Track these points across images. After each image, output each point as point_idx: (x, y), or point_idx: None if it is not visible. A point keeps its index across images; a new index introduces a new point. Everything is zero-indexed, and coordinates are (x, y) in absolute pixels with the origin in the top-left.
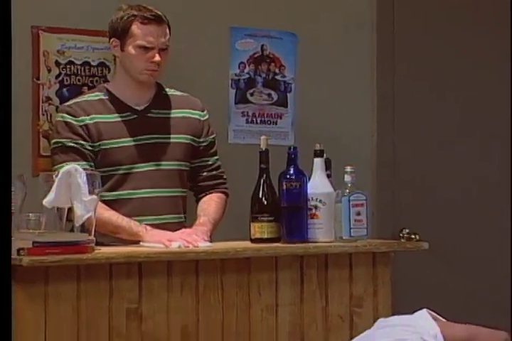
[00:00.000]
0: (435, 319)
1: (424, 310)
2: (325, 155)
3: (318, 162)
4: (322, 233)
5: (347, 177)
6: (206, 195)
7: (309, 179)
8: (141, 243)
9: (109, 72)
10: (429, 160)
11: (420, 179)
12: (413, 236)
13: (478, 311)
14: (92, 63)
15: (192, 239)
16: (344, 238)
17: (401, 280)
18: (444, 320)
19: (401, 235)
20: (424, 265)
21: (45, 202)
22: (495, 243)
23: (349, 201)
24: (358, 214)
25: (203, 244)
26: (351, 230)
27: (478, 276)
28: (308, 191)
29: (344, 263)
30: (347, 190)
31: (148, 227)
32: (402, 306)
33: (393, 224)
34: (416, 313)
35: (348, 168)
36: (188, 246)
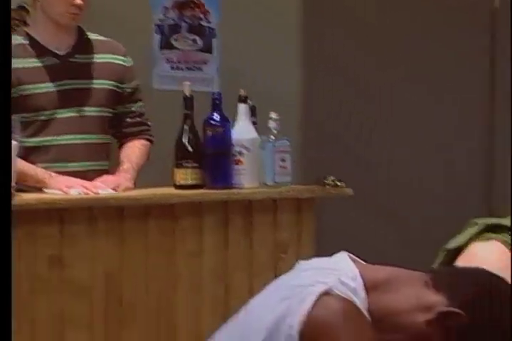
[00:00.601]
0: (354, 261)
1: (344, 253)
2: (250, 102)
3: (242, 108)
4: (246, 179)
5: (271, 124)
6: (130, 141)
7: (233, 125)
8: (43, 189)
9: (28, 16)
10: (355, 108)
11: (346, 126)
12: (338, 183)
13: (401, 256)
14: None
15: (91, 186)
16: (268, 184)
17: (326, 227)
18: (363, 262)
19: (326, 182)
20: (349, 212)
21: None
22: (416, 189)
23: (273, 147)
24: (283, 160)
25: (104, 191)
26: (275, 176)
27: (401, 222)
28: (233, 137)
29: (268, 209)
30: (272, 136)
31: (54, 174)
32: (326, 252)
33: (319, 171)
34: (335, 256)
35: (273, 115)
36: (87, 193)
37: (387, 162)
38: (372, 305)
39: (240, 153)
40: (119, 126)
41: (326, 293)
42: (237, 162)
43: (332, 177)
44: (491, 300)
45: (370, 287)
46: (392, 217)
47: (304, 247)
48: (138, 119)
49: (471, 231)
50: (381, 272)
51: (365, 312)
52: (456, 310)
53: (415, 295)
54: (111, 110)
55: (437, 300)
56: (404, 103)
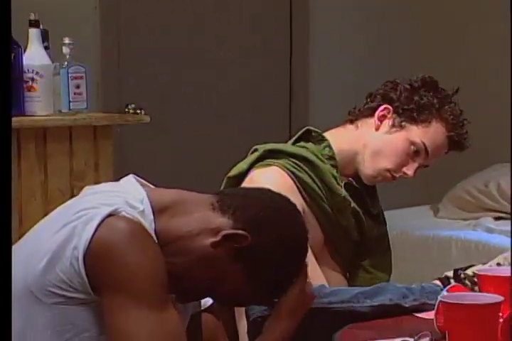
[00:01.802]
0: (143, 185)
1: (131, 176)
2: (42, 26)
3: (33, 33)
4: (40, 106)
5: (65, 49)
6: None
7: (25, 51)
8: None
9: None
10: (163, 42)
11: (146, 53)
12: (138, 111)
13: (196, 182)
14: None
15: None
16: (63, 111)
17: (126, 154)
18: (151, 186)
19: (126, 110)
20: (148, 139)
21: None
22: (221, 119)
23: (68, 73)
24: (77, 86)
25: None
26: (70, 103)
27: (196, 152)
28: (24, 63)
29: (63, 137)
30: (65, 62)
31: None
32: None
33: (119, 99)
34: (122, 180)
35: (66, 40)
36: None
37: (192, 93)
38: (159, 228)
39: (33, 80)
40: None
41: (112, 215)
42: (30, 88)
43: (133, 105)
44: (275, 220)
45: (157, 210)
46: (189, 146)
47: (102, 174)
48: None
49: (252, 157)
50: (168, 195)
51: (153, 235)
52: (241, 231)
53: (202, 217)
54: None
55: (223, 222)
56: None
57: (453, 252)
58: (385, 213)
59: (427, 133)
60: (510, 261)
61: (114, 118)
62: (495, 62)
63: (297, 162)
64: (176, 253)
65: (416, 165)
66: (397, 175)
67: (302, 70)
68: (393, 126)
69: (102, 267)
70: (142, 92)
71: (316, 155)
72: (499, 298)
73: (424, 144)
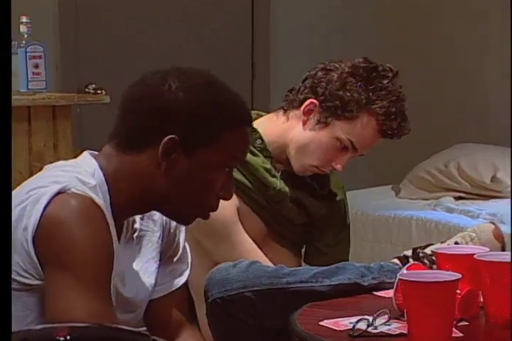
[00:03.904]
0: (96, 157)
1: (85, 151)
2: None
3: None
4: None
5: (22, 28)
6: None
7: None
8: None
9: None
10: (119, 15)
11: (109, 33)
12: (99, 92)
13: None
14: None
15: None
16: (22, 91)
17: (86, 134)
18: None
19: (87, 90)
20: (108, 119)
21: None
22: None
23: (26, 53)
24: (36, 66)
25: None
26: (29, 83)
27: None
28: None
29: (22, 117)
30: (23, 42)
31: None
32: None
33: (79, 80)
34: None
35: (24, 18)
36: None
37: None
38: (116, 198)
39: None
40: None
41: (61, 192)
42: None
43: (93, 86)
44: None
45: (111, 179)
46: None
47: (62, 155)
48: None
49: None
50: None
51: (107, 208)
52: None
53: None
54: None
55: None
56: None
57: (413, 232)
58: (347, 194)
59: (353, 129)
60: (467, 239)
61: (73, 98)
62: (460, 43)
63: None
64: (144, 190)
65: (345, 158)
66: (326, 170)
67: (264, 49)
68: (319, 122)
69: (47, 244)
70: (103, 72)
71: (251, 150)
72: (457, 276)
73: (350, 140)
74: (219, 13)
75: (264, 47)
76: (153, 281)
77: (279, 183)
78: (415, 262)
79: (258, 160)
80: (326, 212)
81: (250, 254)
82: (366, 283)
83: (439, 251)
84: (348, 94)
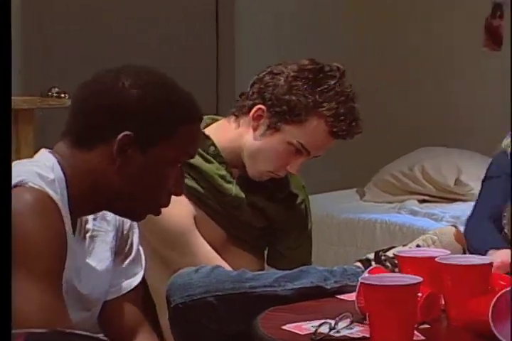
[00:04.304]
0: (54, 152)
1: (42, 149)
2: None
3: None
4: None
5: None
6: None
7: None
8: None
9: None
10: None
11: (70, 37)
12: (62, 95)
13: None
14: None
15: None
16: None
17: (49, 138)
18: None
19: (50, 94)
20: None
21: None
22: None
23: None
24: None
25: None
26: None
27: None
28: None
29: None
30: None
31: None
32: None
33: (42, 83)
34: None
35: None
36: None
37: None
38: (73, 191)
39: None
40: None
41: (18, 186)
42: None
43: (56, 89)
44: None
45: (70, 174)
46: None
47: (24, 159)
48: None
49: None
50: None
51: (64, 202)
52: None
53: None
54: None
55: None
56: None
57: (377, 235)
58: (312, 197)
59: (304, 132)
60: (428, 242)
61: (35, 102)
62: (425, 45)
63: (190, 173)
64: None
65: (299, 162)
66: (282, 174)
67: (228, 40)
68: (268, 127)
69: None
70: (66, 76)
71: (202, 155)
72: (418, 279)
73: (301, 144)
74: (182, 14)
75: (229, 50)
76: (107, 281)
77: (234, 189)
78: (377, 265)
79: (212, 167)
80: (286, 214)
81: (210, 261)
82: (329, 287)
83: (400, 254)
84: (295, 98)
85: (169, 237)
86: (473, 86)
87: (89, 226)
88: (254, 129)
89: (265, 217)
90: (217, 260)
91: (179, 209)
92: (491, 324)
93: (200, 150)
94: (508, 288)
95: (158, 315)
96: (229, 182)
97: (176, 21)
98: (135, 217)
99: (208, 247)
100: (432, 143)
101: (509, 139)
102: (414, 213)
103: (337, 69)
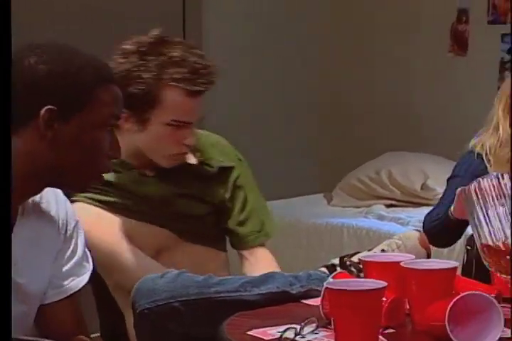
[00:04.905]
0: None
1: None
2: None
3: None
4: None
5: None
6: None
7: None
8: None
9: None
10: None
11: None
12: None
13: None
14: None
15: None
16: None
17: None
18: None
19: None
20: None
21: None
22: None
23: None
24: None
25: None
26: None
27: None
28: None
29: None
30: None
31: None
32: None
33: None
34: None
35: None
36: None
37: None
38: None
39: None
40: None
41: None
42: None
43: None
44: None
45: None
46: None
47: None
48: None
49: None
50: None
51: None
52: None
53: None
54: None
55: None
56: None
57: (345, 239)
58: (279, 202)
59: (168, 109)
60: (393, 247)
61: None
62: (389, 53)
63: (96, 186)
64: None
65: (188, 132)
66: (184, 150)
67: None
68: (139, 122)
69: None
70: None
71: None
72: (382, 284)
73: (175, 120)
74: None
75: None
76: (47, 276)
77: (154, 189)
78: (342, 270)
79: (123, 176)
80: (222, 191)
81: (150, 271)
82: (294, 291)
83: (365, 259)
84: (133, 88)
85: (99, 258)
86: (438, 91)
87: (32, 224)
88: (132, 128)
89: (202, 201)
90: (155, 267)
91: (100, 232)
92: (448, 329)
93: None
94: (466, 293)
95: (126, 321)
96: (145, 184)
97: (143, 21)
98: (79, 187)
99: (142, 258)
100: (399, 147)
101: (476, 139)
102: (381, 217)
103: (153, 40)
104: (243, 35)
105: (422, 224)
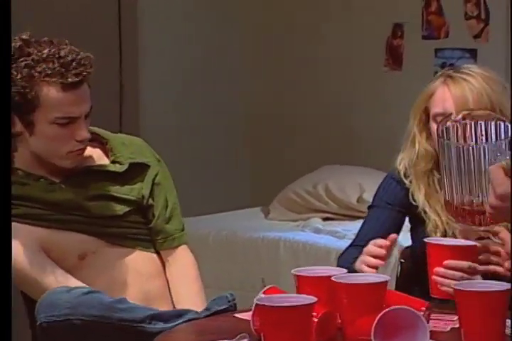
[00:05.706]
0: None
1: None
2: None
3: None
4: None
5: None
6: None
7: None
8: None
9: None
10: None
11: None
12: None
13: None
14: None
15: None
16: None
17: None
18: None
19: None
20: None
21: None
22: None
23: None
24: None
25: None
26: None
27: None
28: None
29: None
30: None
31: None
32: None
33: None
34: None
35: None
36: None
37: None
38: None
39: None
40: None
41: None
42: None
43: None
44: None
45: None
46: None
47: None
48: None
49: None
50: None
51: None
52: None
53: None
54: None
55: None
56: None
57: (281, 253)
58: (216, 216)
59: (48, 106)
60: None
61: None
62: (328, 67)
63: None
64: None
65: (78, 127)
66: (80, 146)
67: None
68: (24, 125)
69: None
70: None
71: (14, 182)
72: (312, 299)
73: (59, 117)
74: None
75: (132, 51)
76: None
77: (61, 194)
78: (273, 285)
79: (29, 188)
80: (139, 188)
81: (58, 285)
82: (202, 315)
83: (298, 274)
84: (15, 89)
85: (14, 277)
86: (373, 105)
87: None
88: (21, 133)
89: (117, 200)
90: (66, 280)
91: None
92: None
93: (13, 180)
94: (393, 307)
95: None
96: (52, 191)
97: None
98: None
99: (54, 273)
100: (336, 161)
101: (400, 156)
102: (317, 231)
103: (20, 43)
104: (180, 36)
105: None
